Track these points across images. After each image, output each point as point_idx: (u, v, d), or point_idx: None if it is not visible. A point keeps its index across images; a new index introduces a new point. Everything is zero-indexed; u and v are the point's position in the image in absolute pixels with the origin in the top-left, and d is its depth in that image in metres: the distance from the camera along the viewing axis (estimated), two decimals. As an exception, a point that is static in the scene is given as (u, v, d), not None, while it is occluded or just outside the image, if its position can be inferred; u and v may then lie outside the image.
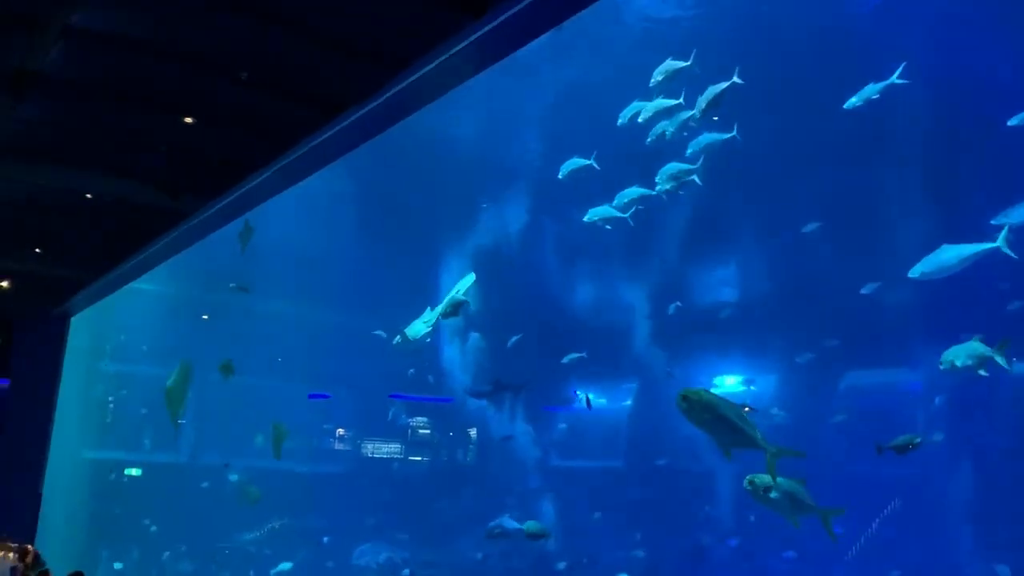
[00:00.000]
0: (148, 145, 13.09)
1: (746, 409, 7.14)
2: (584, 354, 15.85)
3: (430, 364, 19.79)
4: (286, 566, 19.01)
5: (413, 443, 22.91)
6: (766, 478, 7.75)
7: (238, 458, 21.35)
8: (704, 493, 15.69)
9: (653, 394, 17.14)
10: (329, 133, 12.01)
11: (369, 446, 23.11)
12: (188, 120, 12.04)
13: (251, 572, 19.87)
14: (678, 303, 15.82)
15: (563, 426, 19.44)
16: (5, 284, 21.77)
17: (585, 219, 13.25)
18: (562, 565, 16.47)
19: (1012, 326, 12.57)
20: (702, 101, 11.47)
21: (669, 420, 16.28)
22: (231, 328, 20.51)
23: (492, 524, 15.34)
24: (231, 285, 16.26)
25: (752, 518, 15.01)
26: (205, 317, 21.38)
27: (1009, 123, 11.01)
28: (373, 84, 10.35)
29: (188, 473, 23.45)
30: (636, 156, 12.53)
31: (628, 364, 17.01)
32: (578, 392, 19.63)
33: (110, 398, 27.41)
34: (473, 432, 20.91)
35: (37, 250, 18.84)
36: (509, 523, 15.13)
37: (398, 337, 12.99)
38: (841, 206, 14.24)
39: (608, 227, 13.07)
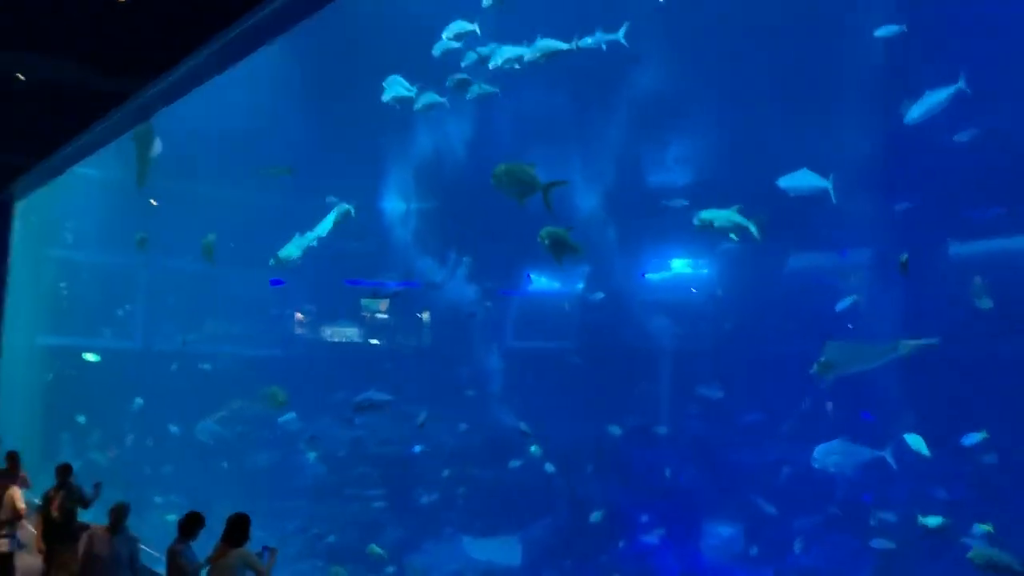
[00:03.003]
0: (81, 25, 12.68)
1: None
2: (468, 258, 16.37)
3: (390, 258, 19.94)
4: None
5: (372, 327, 23.14)
6: (549, 229, 10.13)
7: (194, 344, 21.48)
8: (649, 373, 16.14)
9: (604, 276, 17.40)
10: (268, 9, 11.66)
11: (328, 330, 23.33)
12: (119, -3, 11.60)
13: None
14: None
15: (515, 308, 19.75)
16: (-58, 169, 21.28)
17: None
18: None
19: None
20: (536, 50, 12.44)
21: (619, 302, 16.66)
22: (180, 214, 20.24)
23: (359, 397, 15.68)
24: (268, 168, 15.61)
25: (720, 394, 15.07)
26: (154, 203, 21.03)
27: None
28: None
29: (145, 358, 23.61)
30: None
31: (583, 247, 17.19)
32: (531, 275, 19.87)
33: (62, 284, 27.23)
34: (426, 315, 21.18)
35: (-28, 134, 18.37)
36: (376, 395, 15.57)
37: (272, 259, 13.95)
38: (791, 85, 14.15)
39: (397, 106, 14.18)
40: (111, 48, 14.05)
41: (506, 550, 16.22)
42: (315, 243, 13.94)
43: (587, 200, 17.14)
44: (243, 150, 18.51)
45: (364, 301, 22.60)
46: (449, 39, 13.58)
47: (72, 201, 24.56)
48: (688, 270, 16.95)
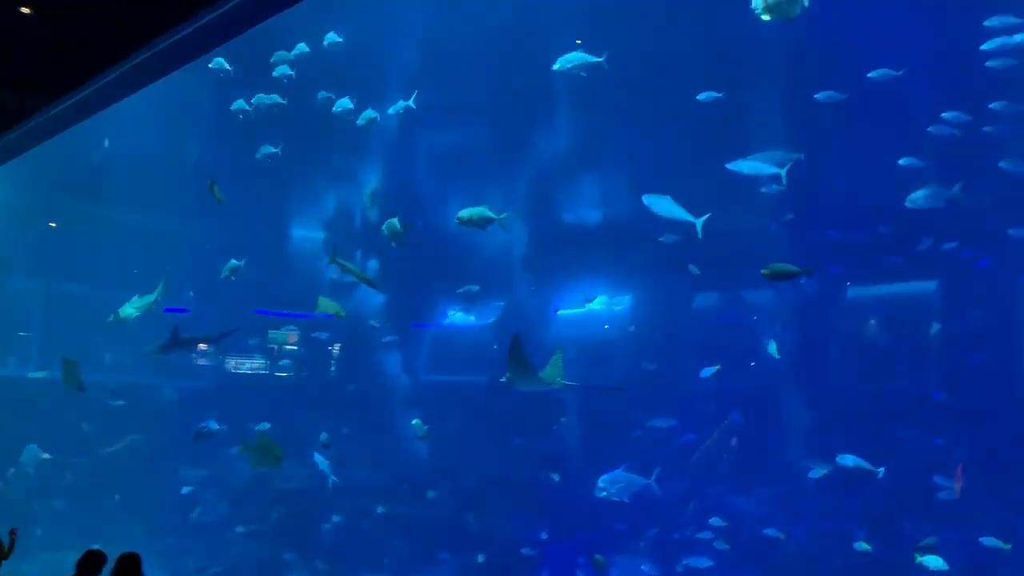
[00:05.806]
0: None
1: None
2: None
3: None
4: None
5: (280, 358, 22.53)
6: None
7: (87, 373, 20.46)
8: (559, 405, 16.25)
9: (519, 312, 17.55)
10: (188, 31, 11.47)
11: (232, 361, 22.61)
12: (25, 10, 11.23)
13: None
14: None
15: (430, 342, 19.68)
16: None
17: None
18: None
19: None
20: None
21: (533, 337, 16.78)
22: (82, 237, 19.47)
23: (200, 425, 16.03)
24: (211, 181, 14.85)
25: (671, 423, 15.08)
26: (53, 225, 20.19)
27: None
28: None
29: (28, 387, 22.26)
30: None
31: (496, 282, 17.31)
32: (449, 312, 19.84)
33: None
34: (336, 348, 20.83)
35: None
36: (214, 425, 15.97)
37: (112, 316, 14.96)
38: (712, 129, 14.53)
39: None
40: (14, 62, 13.51)
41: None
42: (153, 307, 14.99)
43: (500, 237, 17.30)
44: (150, 174, 17.99)
45: (272, 332, 22.12)
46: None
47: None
48: (601, 307, 17.24)
